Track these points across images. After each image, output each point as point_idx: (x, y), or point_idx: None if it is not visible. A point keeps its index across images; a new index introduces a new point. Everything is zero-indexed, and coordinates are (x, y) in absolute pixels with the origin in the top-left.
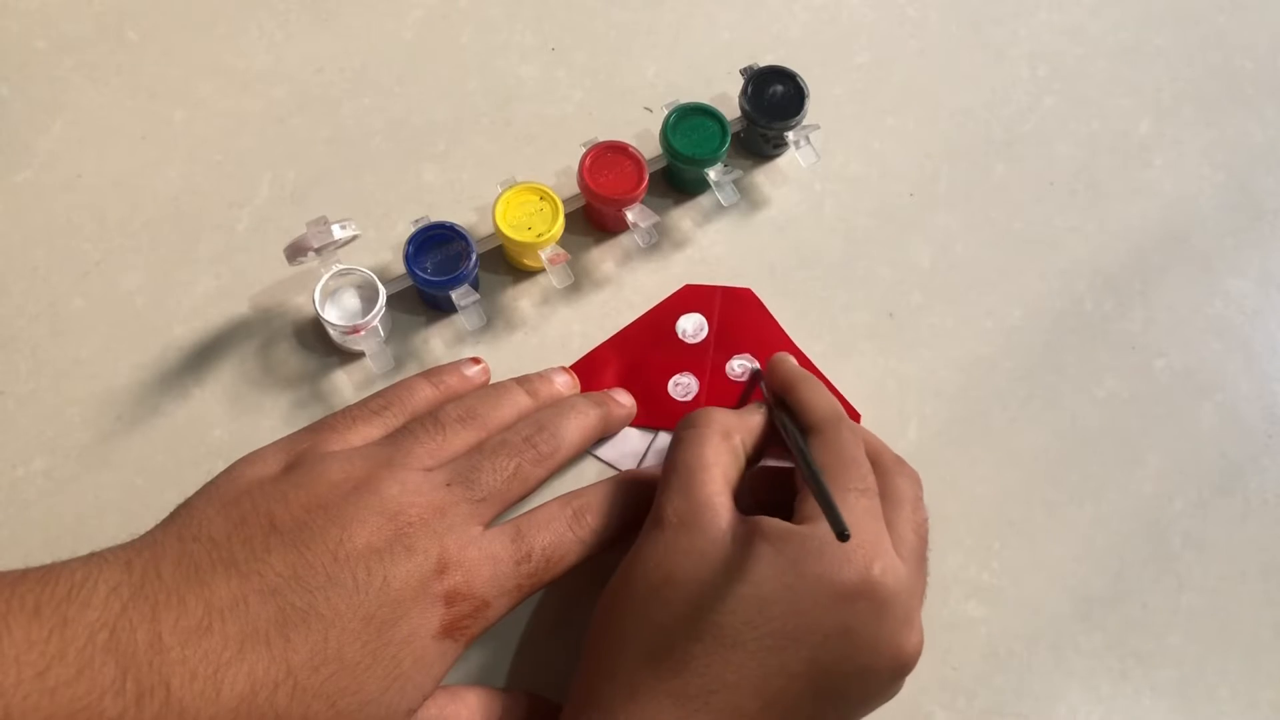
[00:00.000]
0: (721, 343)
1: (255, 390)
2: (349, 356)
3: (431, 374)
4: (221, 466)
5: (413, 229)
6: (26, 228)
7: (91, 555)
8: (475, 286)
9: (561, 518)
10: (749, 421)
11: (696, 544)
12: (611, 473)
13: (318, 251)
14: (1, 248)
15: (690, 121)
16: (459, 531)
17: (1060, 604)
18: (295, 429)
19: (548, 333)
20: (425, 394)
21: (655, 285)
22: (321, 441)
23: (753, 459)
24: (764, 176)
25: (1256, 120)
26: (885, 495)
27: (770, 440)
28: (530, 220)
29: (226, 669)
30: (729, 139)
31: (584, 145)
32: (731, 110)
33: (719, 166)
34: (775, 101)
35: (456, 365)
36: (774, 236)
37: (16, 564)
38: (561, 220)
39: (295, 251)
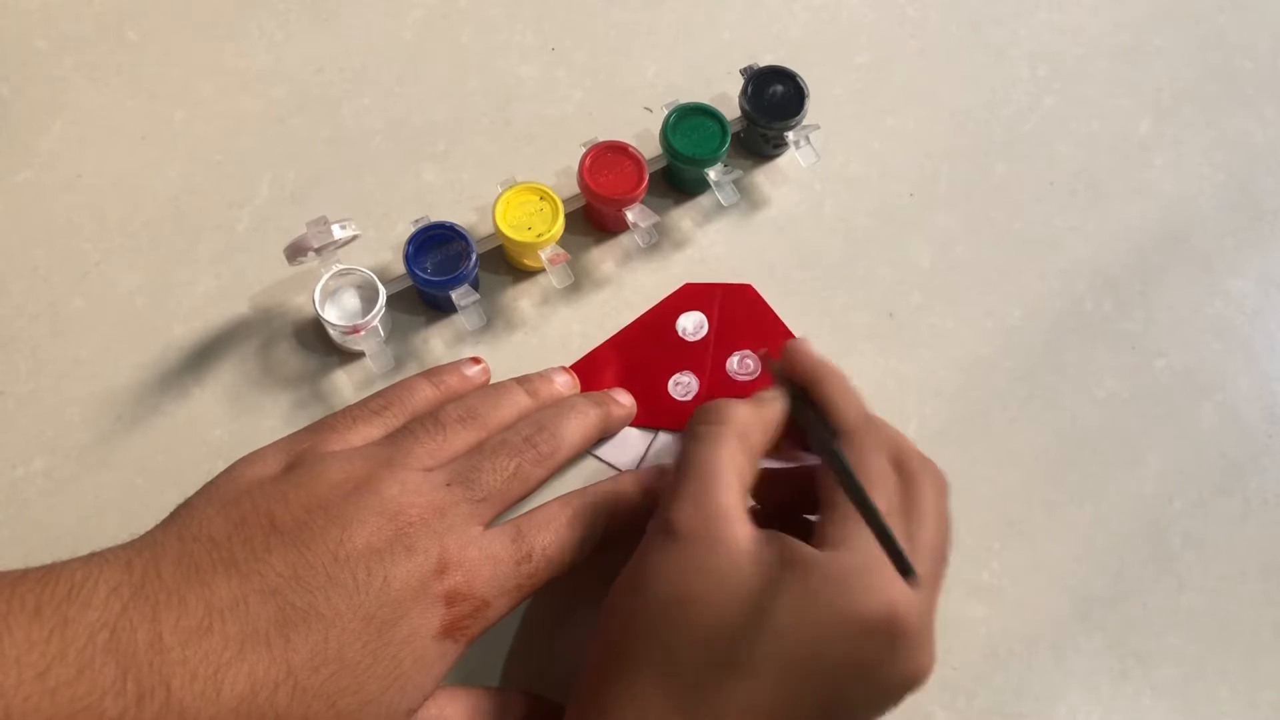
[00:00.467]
0: (722, 340)
1: (255, 390)
2: (349, 356)
3: (432, 374)
4: (221, 466)
5: (413, 229)
6: (26, 228)
7: (92, 555)
8: (475, 286)
9: (561, 518)
10: (765, 418)
11: (712, 562)
12: (611, 473)
13: (318, 251)
14: (1, 248)
15: (690, 121)
16: (459, 532)
17: (1060, 604)
18: (295, 429)
19: (548, 333)
20: (425, 394)
21: (655, 285)
22: (322, 441)
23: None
24: (764, 176)
25: (1256, 120)
26: (910, 507)
27: (781, 436)
28: (530, 220)
29: (227, 669)
30: (729, 139)
31: (584, 145)
32: (731, 110)
33: (719, 166)
34: (775, 101)
35: (457, 365)
36: (774, 236)
37: (17, 564)
38: (561, 220)
39: (295, 251)
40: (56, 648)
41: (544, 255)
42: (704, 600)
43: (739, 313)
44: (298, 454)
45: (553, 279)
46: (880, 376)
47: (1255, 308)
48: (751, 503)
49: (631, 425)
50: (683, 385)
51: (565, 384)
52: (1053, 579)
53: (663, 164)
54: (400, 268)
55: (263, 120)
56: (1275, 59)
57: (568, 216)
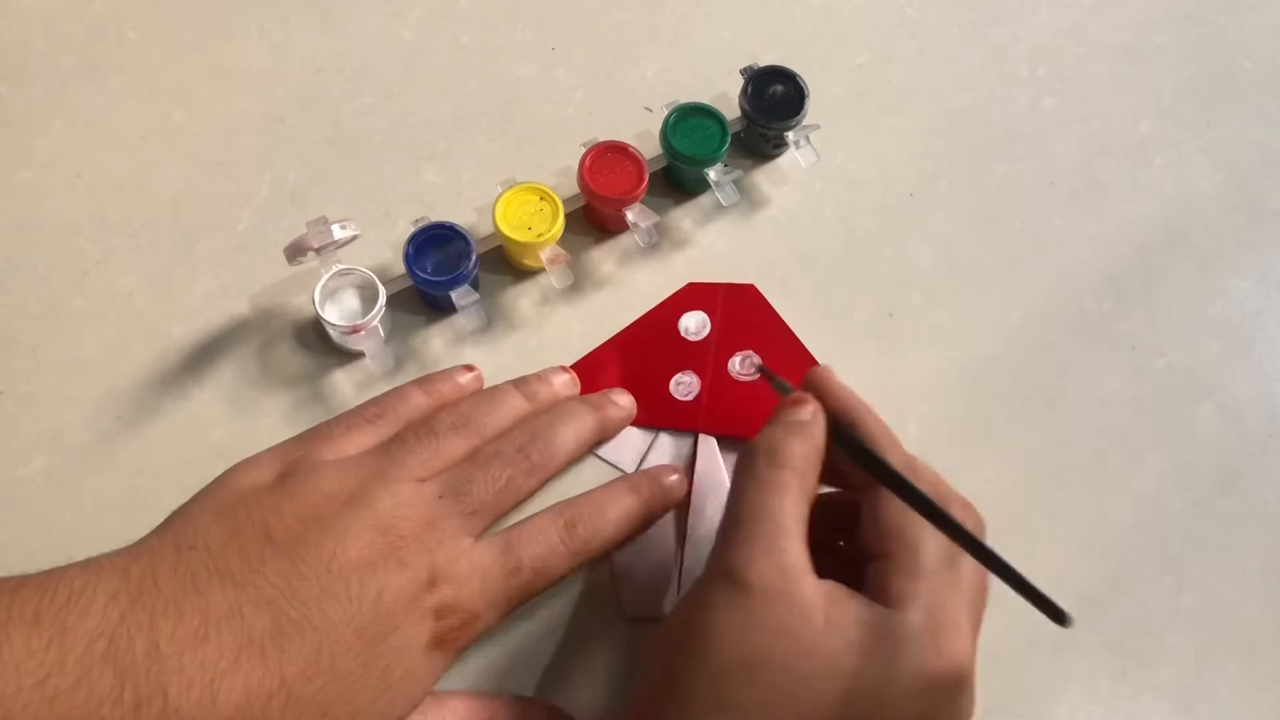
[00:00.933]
0: (724, 339)
1: (255, 390)
2: (349, 356)
3: (425, 382)
4: (222, 466)
5: (413, 229)
6: (26, 228)
7: (89, 561)
8: (475, 286)
9: (553, 529)
10: (811, 454)
11: (786, 622)
12: (611, 472)
13: (318, 251)
14: (1, 248)
15: (690, 121)
16: (449, 545)
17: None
18: (295, 429)
19: (548, 333)
20: (418, 402)
21: (655, 285)
22: (316, 450)
23: None
24: (764, 176)
25: (1256, 120)
26: (956, 551)
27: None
28: (530, 220)
29: (222, 679)
30: (729, 139)
31: (584, 145)
32: (731, 110)
33: (719, 166)
34: (775, 101)
35: (450, 373)
36: (774, 236)
37: (17, 564)
38: (561, 220)
39: (295, 251)
40: (55, 656)
41: (544, 255)
42: (778, 663)
43: (742, 313)
44: (292, 462)
45: (553, 279)
46: (880, 376)
47: (1255, 308)
48: None
49: (633, 425)
50: (684, 385)
51: (564, 384)
52: (1053, 579)
53: (663, 164)
54: (400, 268)
55: (262, 120)
56: (1275, 59)
57: (568, 216)
